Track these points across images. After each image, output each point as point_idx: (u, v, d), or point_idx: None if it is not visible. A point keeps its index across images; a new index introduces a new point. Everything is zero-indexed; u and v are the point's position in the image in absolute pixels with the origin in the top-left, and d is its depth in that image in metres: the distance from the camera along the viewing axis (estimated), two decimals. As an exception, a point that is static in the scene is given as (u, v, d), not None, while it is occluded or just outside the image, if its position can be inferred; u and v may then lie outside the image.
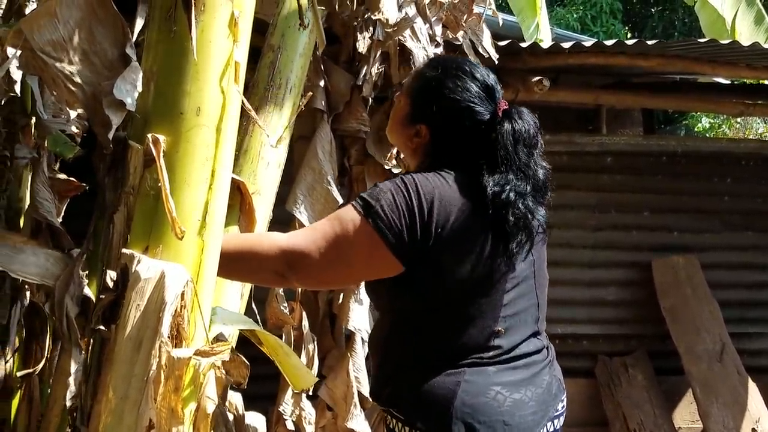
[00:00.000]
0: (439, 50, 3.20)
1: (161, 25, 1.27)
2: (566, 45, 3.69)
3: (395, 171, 3.09)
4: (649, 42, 3.56)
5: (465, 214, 1.38)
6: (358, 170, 3.20)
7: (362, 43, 3.04)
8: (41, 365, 2.18)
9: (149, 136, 1.26)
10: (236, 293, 2.15)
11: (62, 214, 2.25)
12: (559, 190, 5.04)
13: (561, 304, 4.26)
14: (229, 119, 1.35)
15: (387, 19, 2.60)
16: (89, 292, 1.64)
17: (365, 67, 3.15)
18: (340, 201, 3.18)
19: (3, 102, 1.97)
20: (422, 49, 3.07)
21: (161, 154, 1.26)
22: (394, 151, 3.12)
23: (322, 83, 3.13)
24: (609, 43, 3.69)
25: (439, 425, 1.34)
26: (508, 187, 1.38)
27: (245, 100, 1.33)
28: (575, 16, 12.62)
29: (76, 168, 2.16)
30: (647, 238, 4.30)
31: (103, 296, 1.25)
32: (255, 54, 2.02)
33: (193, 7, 1.23)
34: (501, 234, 1.39)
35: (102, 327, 1.24)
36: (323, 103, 3.14)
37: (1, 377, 1.96)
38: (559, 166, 4.30)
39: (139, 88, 1.16)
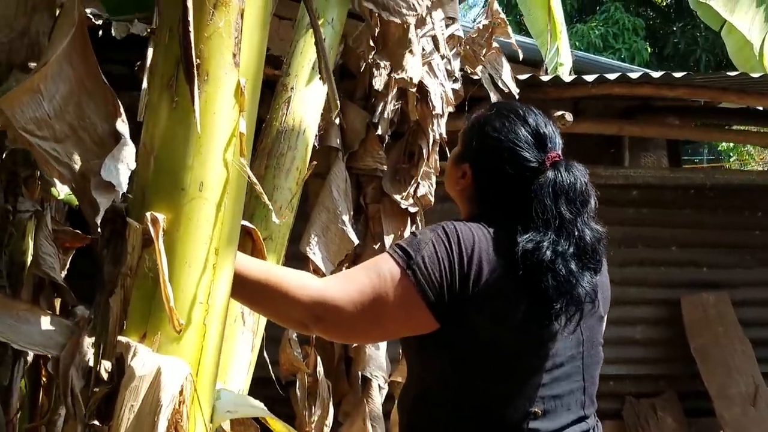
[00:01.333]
0: (457, 86, 3.11)
1: (162, 95, 1.18)
2: (589, 78, 3.58)
3: (412, 210, 3.01)
4: (676, 74, 3.44)
5: (499, 273, 1.27)
6: (374, 209, 3.12)
7: (379, 80, 2.95)
8: (47, 419, 2.10)
9: (148, 214, 1.17)
10: (246, 355, 2.05)
11: (67, 266, 2.18)
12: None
13: (586, 343, 4.12)
14: (233, 194, 1.25)
15: (411, 78, 2.49)
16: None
17: (381, 105, 3.07)
18: (356, 241, 3.09)
19: (4, 154, 1.90)
20: (440, 85, 2.98)
21: (160, 234, 1.17)
22: (411, 189, 3.03)
23: (337, 121, 3.05)
24: (634, 75, 3.58)
25: None
26: (544, 245, 1.25)
27: (251, 174, 1.23)
28: (597, 33, 12.49)
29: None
30: (676, 274, 4.14)
31: (97, 389, 1.16)
32: (269, 86, 1.93)
33: (195, 77, 1.14)
34: (539, 300, 1.26)
35: (96, 422, 1.15)
36: (338, 140, 3.06)
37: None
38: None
39: (132, 167, 1.07)
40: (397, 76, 2.49)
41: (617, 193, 4.13)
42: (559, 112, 3.30)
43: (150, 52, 1.83)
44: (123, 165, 1.04)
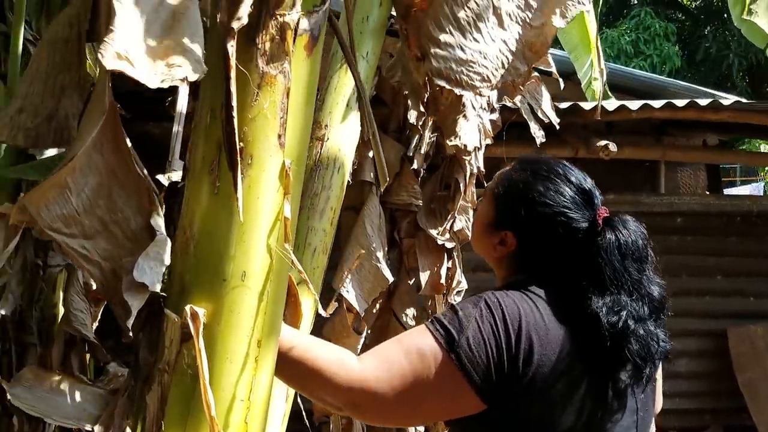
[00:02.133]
0: (495, 116, 3.00)
1: (202, 179, 1.10)
2: (633, 106, 3.45)
3: (448, 245, 2.91)
4: (724, 101, 3.30)
5: (557, 347, 1.21)
6: (408, 243, 3.03)
7: (414, 114, 2.86)
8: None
9: (188, 308, 1.09)
10: (281, 407, 1.97)
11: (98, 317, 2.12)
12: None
13: (628, 376, 3.98)
14: (276, 281, 1.17)
15: (465, 146, 2.38)
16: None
17: (416, 137, 2.97)
18: (390, 279, 3.00)
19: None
20: (477, 117, 2.87)
21: (200, 330, 1.08)
22: (448, 224, 2.94)
23: (370, 154, 2.96)
24: (679, 103, 3.45)
25: None
26: (624, 313, 1.20)
27: (297, 261, 1.14)
28: (627, 39, 12.28)
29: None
30: (721, 304, 3.99)
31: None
32: None
33: (239, 161, 1.06)
34: (607, 372, 1.21)
35: None
36: (372, 174, 2.97)
37: None
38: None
39: (167, 263, 0.99)
40: (450, 143, 2.37)
41: (660, 221, 3.99)
42: (603, 142, 3.19)
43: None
44: (158, 263, 0.96)
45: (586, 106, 3.37)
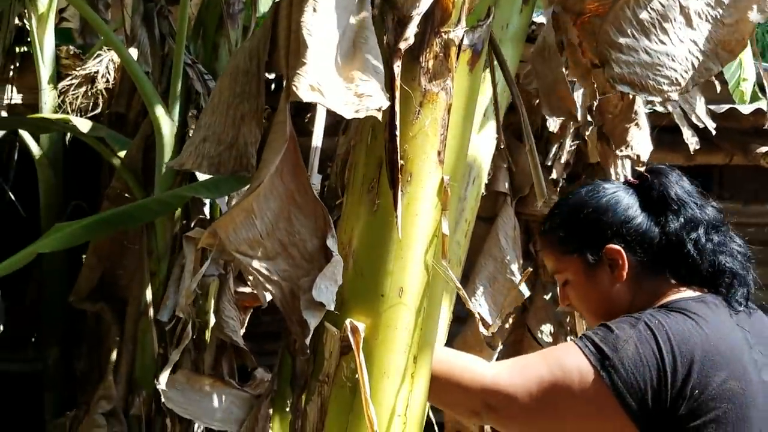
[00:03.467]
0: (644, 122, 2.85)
1: (361, 198, 1.12)
2: (792, 109, 3.16)
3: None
4: None
5: (740, 365, 1.13)
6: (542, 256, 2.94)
7: (554, 122, 2.78)
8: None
9: (348, 322, 1.11)
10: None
11: (245, 324, 2.22)
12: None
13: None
14: (433, 298, 1.17)
15: (638, 156, 2.27)
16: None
17: (556, 146, 2.89)
18: (527, 294, 2.92)
19: (193, 223, 1.97)
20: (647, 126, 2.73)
21: (360, 344, 1.10)
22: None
23: (505, 165, 2.91)
24: None
25: None
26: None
27: (455, 279, 1.13)
28: (774, 35, 11.33)
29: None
30: None
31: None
32: None
33: (399, 179, 1.06)
34: None
35: None
36: (506, 185, 2.92)
37: None
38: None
39: (339, 282, 1.01)
40: (621, 153, 2.27)
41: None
42: (764, 149, 2.95)
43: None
44: (332, 283, 0.99)
45: (744, 110, 3.13)
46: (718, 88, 2.92)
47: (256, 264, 0.96)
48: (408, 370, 1.14)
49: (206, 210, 1.95)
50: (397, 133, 1.00)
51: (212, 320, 2.12)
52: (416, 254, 1.12)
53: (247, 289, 2.11)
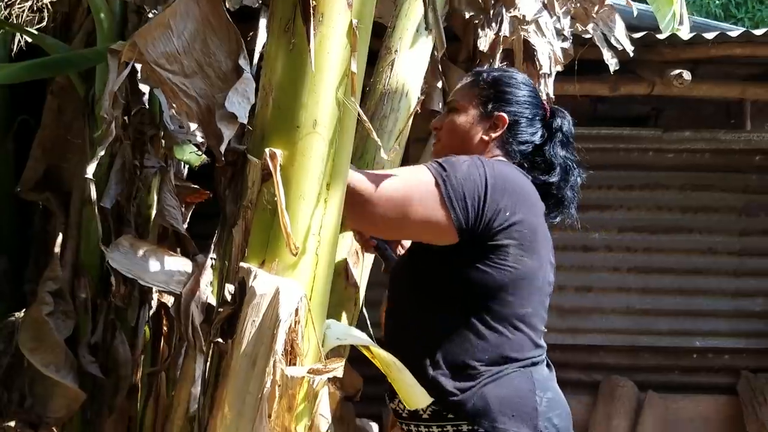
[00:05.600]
0: (567, 45, 3.03)
1: (280, 38, 1.25)
2: (709, 35, 3.38)
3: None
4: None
5: (538, 209, 1.44)
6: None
7: (484, 41, 2.92)
8: (167, 364, 2.26)
9: (267, 150, 1.25)
10: (350, 309, 2.13)
11: (187, 219, 2.33)
12: (700, 191, 4.60)
13: (702, 315, 3.94)
14: (344, 132, 1.31)
15: (523, 16, 2.46)
16: (214, 300, 1.67)
17: (486, 66, 3.04)
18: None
19: (132, 113, 2.06)
20: (548, 44, 2.90)
21: (278, 168, 1.25)
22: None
23: (439, 84, 3.05)
24: (758, 32, 3.34)
25: (527, 425, 1.34)
26: (567, 182, 1.53)
27: (361, 112, 1.29)
28: (717, 2, 11.69)
29: (202, 175, 2.23)
30: (802, 244, 3.89)
31: (222, 309, 1.26)
32: (371, 57, 1.98)
33: (311, 19, 1.20)
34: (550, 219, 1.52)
35: (220, 340, 1.25)
36: (440, 104, 3.06)
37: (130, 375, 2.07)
38: (700, 165, 4.03)
39: (252, 101, 1.15)
40: (509, 14, 2.45)
41: (738, 159, 3.90)
42: (677, 71, 3.15)
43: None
44: (244, 98, 1.12)
45: (662, 36, 3.32)
46: (635, 12, 3.12)
47: (174, 79, 1.08)
48: (322, 195, 1.29)
49: (145, 99, 2.04)
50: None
51: (154, 213, 2.24)
52: (328, 89, 1.25)
53: (188, 184, 2.22)
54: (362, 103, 2.23)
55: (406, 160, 2.93)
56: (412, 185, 1.35)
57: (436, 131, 1.58)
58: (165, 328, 2.35)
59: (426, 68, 2.40)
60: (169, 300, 2.31)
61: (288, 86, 1.26)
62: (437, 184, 1.33)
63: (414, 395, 1.39)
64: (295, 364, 1.18)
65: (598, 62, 3.03)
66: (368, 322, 2.32)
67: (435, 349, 1.38)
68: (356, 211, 1.35)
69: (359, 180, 1.35)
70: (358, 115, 1.31)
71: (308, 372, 1.18)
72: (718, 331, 3.92)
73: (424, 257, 1.44)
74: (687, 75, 3.12)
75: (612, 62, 2.94)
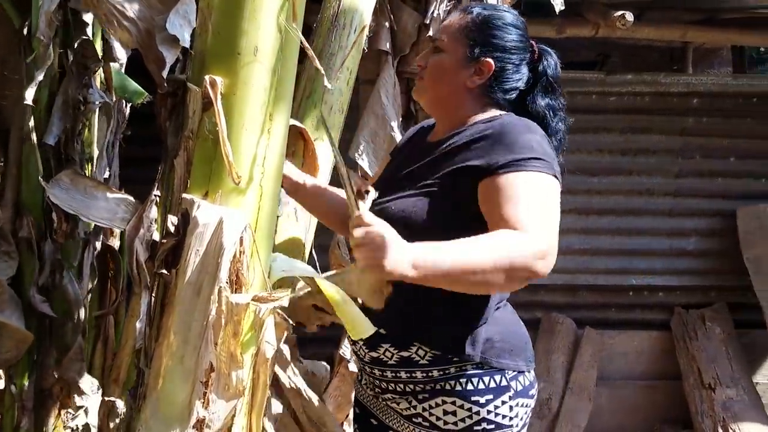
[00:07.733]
0: (510, -17, 3.02)
1: (217, -40, 1.22)
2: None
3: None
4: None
5: None
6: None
7: (433, -20, 2.90)
8: (115, 306, 2.24)
9: (207, 77, 1.23)
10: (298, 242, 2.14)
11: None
12: (640, 134, 4.70)
13: (638, 254, 4.09)
14: (287, 60, 1.30)
15: None
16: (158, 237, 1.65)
17: (434, 4, 3.01)
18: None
19: (76, 46, 1.97)
20: None
21: (219, 96, 1.23)
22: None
23: (387, 23, 3.01)
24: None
25: (521, 358, 1.42)
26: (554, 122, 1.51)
27: (303, 39, 1.27)
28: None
29: (146, 113, 2.17)
30: (733, 185, 4.03)
31: (165, 240, 1.25)
32: None
33: (249, -59, 1.17)
34: None
35: (164, 271, 1.25)
36: (388, 44, 3.02)
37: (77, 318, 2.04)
38: (641, 108, 4.13)
39: (193, 24, 1.12)
40: None
41: (677, 102, 4.00)
42: (619, 12, 3.19)
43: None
44: (185, 20, 1.09)
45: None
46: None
47: (111, 0, 1.05)
48: (265, 125, 1.27)
49: (88, 30, 1.95)
50: None
51: (96, 152, 2.18)
52: (269, 14, 1.23)
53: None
54: (309, 39, 2.20)
55: (357, 104, 2.90)
56: (551, 205, 1.30)
57: (420, 69, 1.51)
58: (111, 272, 2.32)
59: (375, 5, 2.36)
60: (115, 243, 2.28)
61: (227, 11, 1.23)
62: (556, 176, 1.34)
63: (360, 325, 1.41)
64: (240, 293, 1.19)
65: (543, 4, 3.04)
66: (317, 265, 2.34)
67: (438, 293, 1.28)
68: (546, 270, 1.28)
69: (538, 240, 1.24)
70: (302, 44, 1.30)
71: (253, 300, 1.20)
72: (653, 269, 4.08)
73: (449, 209, 1.38)
74: (630, 16, 3.15)
75: (557, 2, 2.95)
